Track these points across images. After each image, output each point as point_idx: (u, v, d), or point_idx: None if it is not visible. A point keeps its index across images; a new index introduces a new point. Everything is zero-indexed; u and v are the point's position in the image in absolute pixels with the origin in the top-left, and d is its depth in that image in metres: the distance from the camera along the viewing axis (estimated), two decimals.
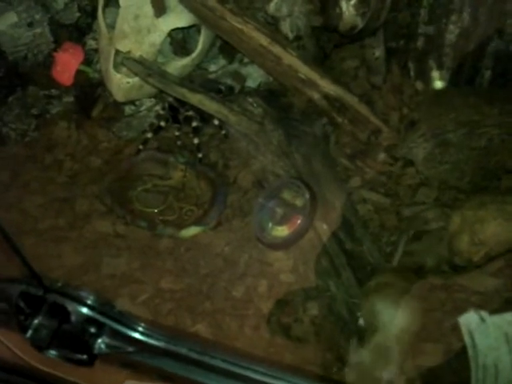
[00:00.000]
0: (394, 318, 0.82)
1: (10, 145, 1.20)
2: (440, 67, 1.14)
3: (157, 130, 1.14)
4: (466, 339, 0.79)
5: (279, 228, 0.95)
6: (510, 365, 0.76)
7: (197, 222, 1.02)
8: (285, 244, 0.95)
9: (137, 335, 0.60)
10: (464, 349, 0.79)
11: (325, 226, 0.94)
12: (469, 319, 0.79)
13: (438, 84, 1.10)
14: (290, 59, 1.11)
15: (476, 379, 0.77)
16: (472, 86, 1.12)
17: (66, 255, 0.99)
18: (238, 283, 0.93)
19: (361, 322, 0.83)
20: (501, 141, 0.98)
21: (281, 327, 0.86)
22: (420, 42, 1.15)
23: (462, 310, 0.82)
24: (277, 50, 1.11)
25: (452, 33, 1.11)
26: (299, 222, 0.93)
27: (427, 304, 0.87)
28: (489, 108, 1.01)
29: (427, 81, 1.16)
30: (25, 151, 1.19)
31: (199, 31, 1.19)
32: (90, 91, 1.28)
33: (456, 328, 0.81)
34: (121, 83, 1.18)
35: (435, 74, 1.11)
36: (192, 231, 1.00)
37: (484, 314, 0.79)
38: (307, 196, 0.94)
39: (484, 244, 0.87)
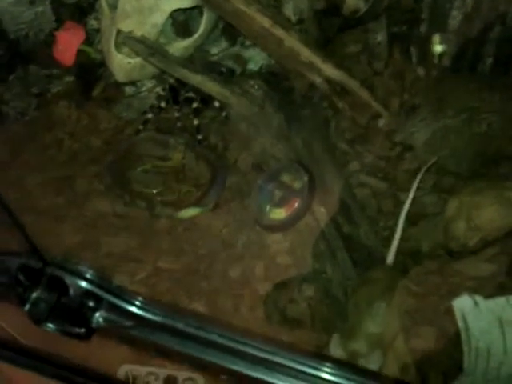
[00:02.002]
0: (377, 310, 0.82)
1: (10, 123, 1.20)
2: (442, 53, 1.14)
3: (157, 110, 1.14)
4: (460, 322, 0.80)
5: (277, 210, 0.96)
6: (502, 348, 0.76)
7: (195, 204, 1.02)
8: (282, 226, 0.95)
9: (134, 309, 0.60)
10: (457, 332, 0.80)
11: (322, 209, 0.94)
12: (463, 303, 0.80)
13: (438, 48, 1.09)
14: (292, 42, 1.11)
15: (468, 362, 0.78)
16: (474, 72, 1.11)
17: (65, 233, 0.99)
18: (235, 264, 0.93)
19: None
20: (500, 127, 0.98)
21: (276, 308, 0.87)
22: (423, 28, 1.15)
23: (456, 295, 0.83)
24: (279, 32, 1.11)
25: (455, 18, 1.10)
26: (297, 204, 0.94)
27: (422, 288, 0.87)
28: (489, 94, 1.01)
29: (429, 67, 1.16)
30: (25, 130, 1.19)
31: (201, 13, 1.19)
32: (90, 71, 1.28)
33: (450, 311, 0.82)
34: (122, 63, 1.18)
35: (435, 39, 1.09)
36: (190, 212, 1.00)
37: (478, 297, 0.80)
38: (305, 179, 0.94)
39: (480, 229, 0.87)
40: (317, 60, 1.11)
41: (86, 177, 1.09)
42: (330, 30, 1.21)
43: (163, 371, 0.86)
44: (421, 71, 1.17)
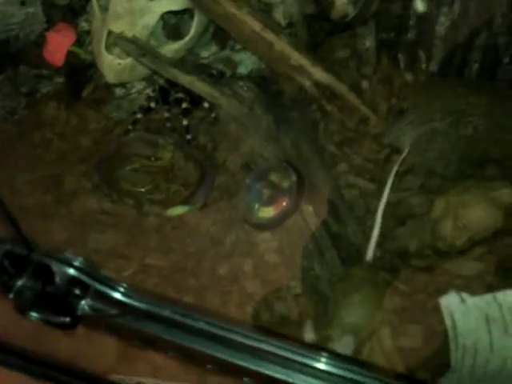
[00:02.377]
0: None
1: None
2: (429, 59, 1.15)
3: (147, 110, 1.14)
4: (447, 320, 0.80)
5: (265, 209, 0.96)
6: (489, 345, 0.77)
7: (184, 202, 1.02)
8: (271, 225, 0.95)
9: (121, 297, 0.60)
10: (445, 330, 0.80)
11: (311, 209, 0.95)
12: (450, 300, 0.81)
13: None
14: (282, 46, 1.12)
15: (455, 359, 0.78)
16: (461, 77, 1.13)
17: (53, 230, 0.99)
18: (224, 262, 0.93)
19: None
20: (486, 130, 1.00)
21: (264, 305, 0.87)
22: (411, 34, 1.16)
23: (444, 293, 0.83)
24: (269, 36, 1.12)
25: (442, 25, 1.12)
26: (285, 203, 0.94)
27: (410, 286, 0.88)
28: (476, 98, 1.02)
29: (417, 72, 1.17)
30: (14, 129, 1.19)
31: (192, 16, 1.20)
32: (80, 72, 1.28)
33: (437, 310, 0.82)
34: (112, 64, 1.18)
35: None
36: (178, 210, 1.00)
37: (465, 295, 0.80)
38: (294, 178, 0.94)
39: (467, 229, 0.88)
40: (306, 64, 1.13)
41: (75, 175, 1.09)
42: (319, 34, 1.22)
43: (152, 381, 0.85)
44: (409, 77, 1.18)
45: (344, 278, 0.87)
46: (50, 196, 1.05)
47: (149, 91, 1.21)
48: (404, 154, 0.98)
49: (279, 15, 1.17)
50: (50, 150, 1.15)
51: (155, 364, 0.81)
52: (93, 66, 1.26)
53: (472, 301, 0.79)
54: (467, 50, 1.12)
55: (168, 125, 1.14)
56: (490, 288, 0.84)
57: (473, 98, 1.02)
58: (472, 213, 0.87)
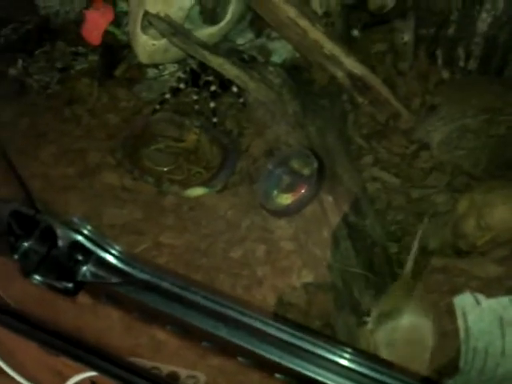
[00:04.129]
0: None
1: (32, 95, 1.22)
2: (468, 56, 1.12)
3: (175, 91, 1.14)
4: (459, 321, 0.77)
5: (284, 196, 0.95)
6: (501, 349, 0.73)
7: (203, 184, 1.02)
8: (288, 212, 0.94)
9: (122, 266, 0.60)
10: (457, 330, 0.77)
11: (330, 198, 0.93)
12: (464, 301, 0.78)
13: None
14: (316, 34, 1.11)
15: (465, 361, 0.75)
16: (500, 76, 1.09)
17: (71, 203, 0.99)
18: (237, 245, 0.92)
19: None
20: None
21: (273, 291, 0.86)
22: (451, 30, 1.13)
23: (459, 294, 0.80)
24: (304, 23, 1.11)
25: (484, 21, 1.08)
26: (304, 190, 0.92)
27: (425, 285, 0.85)
28: None
29: (454, 70, 1.14)
30: (45, 103, 1.21)
31: (229, 1, 1.19)
32: (115, 52, 1.29)
33: (451, 310, 0.79)
34: (146, 45, 1.18)
35: None
36: (197, 192, 1.00)
37: (480, 296, 0.77)
38: (315, 166, 0.92)
39: (490, 229, 0.84)
40: (340, 53, 1.11)
41: (100, 151, 1.09)
42: (356, 25, 1.20)
43: (166, 367, 0.86)
44: (445, 74, 1.15)
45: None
46: (73, 169, 1.06)
47: (180, 74, 1.21)
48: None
49: (316, 3, 1.16)
50: (79, 125, 1.16)
51: (157, 339, 0.81)
52: (128, 46, 1.27)
53: (487, 303, 0.76)
54: (509, 49, 1.08)
55: (196, 107, 1.13)
56: (509, 293, 0.80)
57: (509, 96, 0.99)
58: (496, 213, 0.84)
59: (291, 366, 0.54)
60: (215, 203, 0.98)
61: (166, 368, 0.86)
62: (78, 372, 0.85)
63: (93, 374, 0.85)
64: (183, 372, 0.86)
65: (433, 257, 0.88)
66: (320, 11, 1.15)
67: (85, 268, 0.64)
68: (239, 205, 0.98)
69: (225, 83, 1.12)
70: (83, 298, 0.83)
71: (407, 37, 1.17)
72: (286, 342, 0.56)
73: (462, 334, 0.76)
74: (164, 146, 1.10)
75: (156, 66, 1.25)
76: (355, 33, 1.17)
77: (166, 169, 1.06)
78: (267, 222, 0.94)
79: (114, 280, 0.63)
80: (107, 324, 0.86)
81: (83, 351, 0.78)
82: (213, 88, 1.10)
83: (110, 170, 1.05)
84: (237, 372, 0.79)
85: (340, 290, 0.83)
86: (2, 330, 0.83)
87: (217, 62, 1.06)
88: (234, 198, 0.99)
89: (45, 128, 1.16)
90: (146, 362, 0.85)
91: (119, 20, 1.32)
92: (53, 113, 1.19)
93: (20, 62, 1.24)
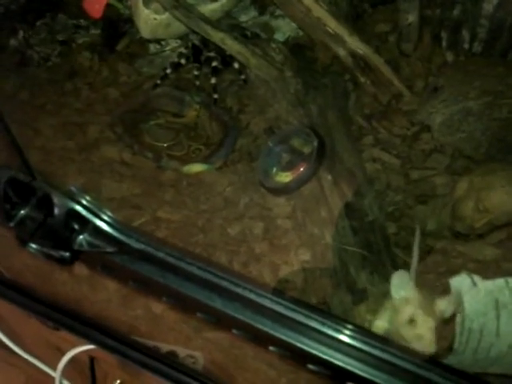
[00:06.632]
0: None
1: (33, 67, 1.21)
2: (473, 39, 1.11)
3: (177, 66, 1.13)
4: (455, 302, 0.77)
5: (283, 174, 0.94)
6: (495, 331, 0.73)
7: (202, 161, 1.01)
8: (286, 190, 0.93)
9: (119, 235, 0.60)
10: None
11: (329, 177, 0.92)
12: (460, 282, 0.77)
13: None
14: (320, 12, 1.09)
15: (459, 342, 0.75)
16: (505, 59, 1.08)
17: (70, 175, 0.99)
18: (235, 222, 0.92)
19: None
20: None
21: (270, 268, 0.86)
22: (456, 11, 1.12)
23: (456, 275, 0.80)
24: (308, 1, 1.09)
25: (490, 3, 1.07)
26: (303, 168, 0.92)
27: (421, 265, 0.85)
28: None
29: (458, 52, 1.13)
30: (46, 75, 1.20)
31: None
32: (117, 26, 1.28)
33: (447, 291, 0.79)
34: (148, 19, 1.17)
35: None
36: (196, 168, 1.00)
37: (476, 278, 0.77)
38: (315, 144, 0.92)
39: (488, 211, 0.84)
40: (343, 32, 1.10)
41: (99, 125, 1.09)
42: (360, 5, 1.19)
43: (165, 346, 0.86)
44: (450, 56, 1.14)
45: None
46: (72, 142, 1.06)
47: (182, 49, 1.20)
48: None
49: None
50: (79, 98, 1.15)
51: (154, 313, 0.81)
52: (130, 20, 1.25)
53: (483, 284, 0.75)
54: None
55: (197, 83, 1.13)
56: (505, 275, 0.80)
57: None
58: (495, 195, 0.83)
59: (285, 338, 0.54)
60: (214, 180, 0.98)
61: (165, 347, 0.86)
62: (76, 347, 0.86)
63: (90, 347, 0.85)
64: (182, 351, 0.86)
65: (430, 239, 0.88)
66: None
67: (81, 237, 0.64)
68: (238, 182, 0.98)
69: (226, 60, 1.12)
70: (80, 269, 0.83)
71: (412, 17, 1.16)
72: (281, 315, 0.56)
73: (457, 314, 0.76)
74: (164, 121, 1.09)
75: (158, 41, 1.24)
76: (367, 8, 1.15)
77: (165, 144, 1.05)
78: (266, 200, 0.94)
79: (110, 249, 0.63)
80: (104, 296, 0.86)
81: (81, 324, 0.79)
82: (214, 64, 1.09)
83: (109, 144, 1.05)
84: (232, 346, 0.79)
85: (337, 269, 0.83)
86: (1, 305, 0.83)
87: (218, 36, 1.05)
88: (233, 176, 0.99)
89: (44, 100, 1.15)
90: (145, 342, 0.85)
91: None
92: (53, 85, 1.18)
93: (21, 32, 1.23)
